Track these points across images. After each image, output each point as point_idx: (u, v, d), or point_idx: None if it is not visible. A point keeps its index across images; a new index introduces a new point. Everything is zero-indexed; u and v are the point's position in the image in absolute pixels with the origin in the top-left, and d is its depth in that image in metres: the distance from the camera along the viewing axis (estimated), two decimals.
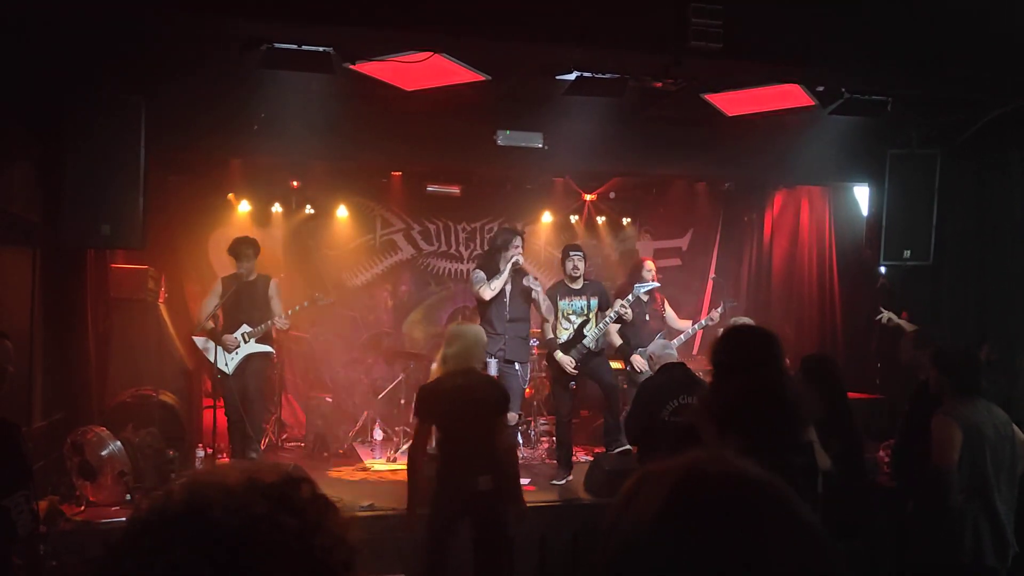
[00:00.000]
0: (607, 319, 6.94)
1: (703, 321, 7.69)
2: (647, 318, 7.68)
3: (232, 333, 6.98)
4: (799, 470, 2.84)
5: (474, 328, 4.98)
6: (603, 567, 0.92)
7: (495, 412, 4.66)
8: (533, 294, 6.88)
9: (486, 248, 7.16)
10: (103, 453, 5.70)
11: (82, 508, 5.62)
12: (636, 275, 7.68)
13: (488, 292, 6.73)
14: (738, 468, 0.93)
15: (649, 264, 7.80)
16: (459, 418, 4.55)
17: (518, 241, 6.87)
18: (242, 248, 7.01)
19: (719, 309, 7.55)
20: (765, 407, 2.71)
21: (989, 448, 4.07)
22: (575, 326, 6.98)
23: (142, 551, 0.85)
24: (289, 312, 7.11)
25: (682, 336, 7.71)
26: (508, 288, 6.81)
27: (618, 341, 7.42)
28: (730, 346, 3.08)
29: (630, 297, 7.06)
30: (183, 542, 0.84)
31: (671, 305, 8.11)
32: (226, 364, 6.95)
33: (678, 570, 0.86)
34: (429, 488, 4.62)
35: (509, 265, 6.73)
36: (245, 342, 7.02)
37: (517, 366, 6.86)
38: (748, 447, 2.57)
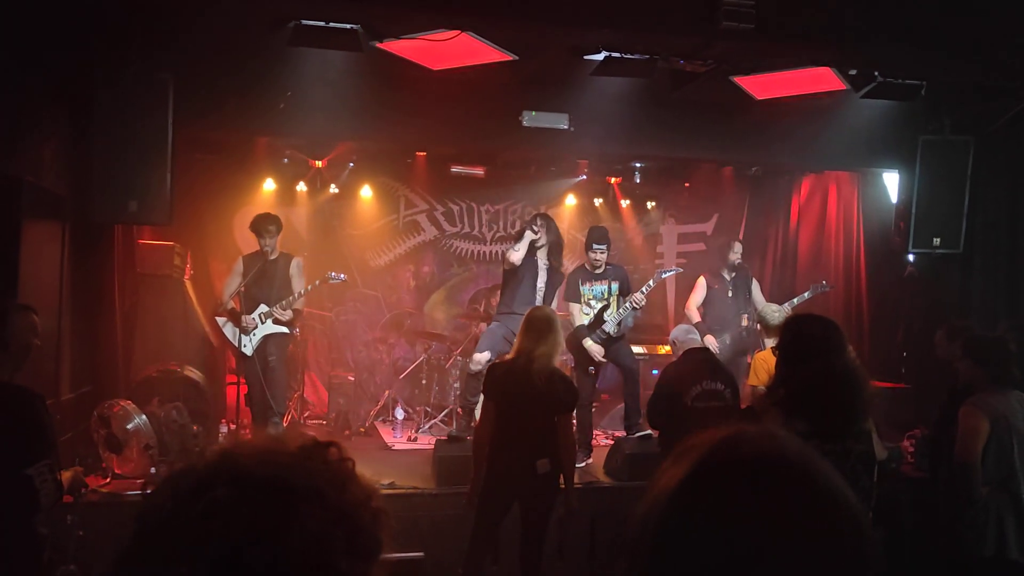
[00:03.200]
0: (627, 305, 6.90)
1: (793, 301, 7.46)
2: (729, 294, 7.61)
3: (250, 313, 6.99)
4: (857, 457, 2.90)
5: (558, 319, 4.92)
6: (628, 538, 0.92)
7: (560, 409, 4.62)
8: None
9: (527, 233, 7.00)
10: (129, 427, 5.77)
11: (108, 480, 5.71)
12: (723, 255, 7.71)
13: (514, 255, 6.69)
14: (770, 441, 0.91)
15: (737, 246, 7.77)
16: (523, 405, 4.51)
17: (542, 224, 6.85)
18: (264, 224, 7.00)
19: (807, 293, 7.46)
20: (834, 395, 2.82)
21: (1017, 440, 4.02)
22: (595, 311, 6.96)
23: (182, 494, 0.88)
24: (301, 292, 7.10)
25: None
26: (543, 279, 6.77)
27: (696, 319, 7.36)
28: (795, 335, 3.10)
29: (651, 282, 7.02)
30: (221, 484, 0.87)
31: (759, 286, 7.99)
32: (246, 345, 6.98)
33: (692, 540, 0.85)
34: (485, 468, 4.61)
35: (525, 239, 6.67)
36: (262, 322, 7.03)
37: None
38: (811, 432, 2.65)
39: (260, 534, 0.84)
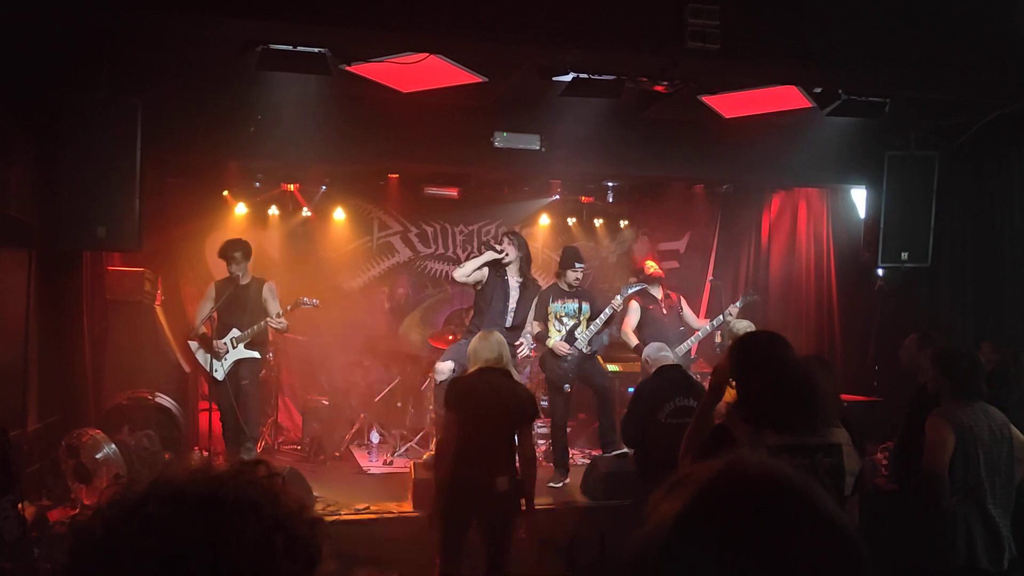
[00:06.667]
0: (599, 320, 6.96)
1: (720, 318, 7.60)
2: (663, 312, 7.68)
3: (222, 338, 6.95)
4: (826, 471, 2.94)
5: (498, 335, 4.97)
6: (627, 566, 0.91)
7: (522, 419, 4.65)
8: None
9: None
10: (98, 456, 5.67)
11: (77, 511, 5.59)
12: (641, 278, 7.73)
13: (457, 271, 6.73)
14: (772, 467, 0.92)
15: (651, 264, 7.82)
16: (485, 416, 4.54)
17: (510, 241, 6.83)
18: (230, 251, 6.97)
19: (737, 304, 7.50)
20: (791, 392, 2.89)
21: (983, 450, 4.06)
22: (567, 328, 6.98)
23: (114, 517, 0.88)
24: (279, 312, 7.07)
25: (699, 334, 7.68)
26: (514, 299, 6.75)
27: (634, 341, 7.41)
28: (743, 352, 3.18)
29: (618, 298, 7.05)
30: (154, 503, 0.88)
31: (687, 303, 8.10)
32: (218, 370, 6.92)
33: (700, 566, 0.85)
34: (446, 485, 4.60)
35: (481, 259, 6.69)
36: (233, 347, 6.99)
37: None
38: (782, 447, 2.69)
39: (198, 544, 0.85)
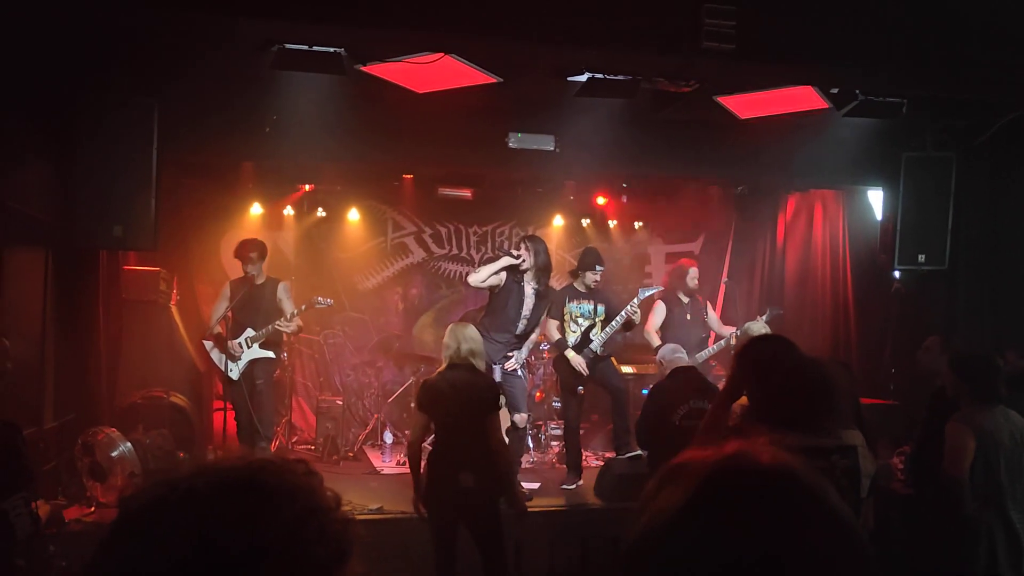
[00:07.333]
0: (615, 323, 6.91)
1: (744, 327, 7.54)
2: (688, 317, 7.63)
3: (236, 338, 6.98)
4: (843, 472, 2.91)
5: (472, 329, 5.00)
6: (624, 559, 0.90)
7: (483, 410, 4.68)
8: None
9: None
10: (113, 454, 5.71)
11: (92, 509, 5.63)
12: (679, 279, 7.67)
13: (472, 276, 6.63)
14: (776, 458, 0.91)
15: (693, 271, 7.77)
16: (452, 413, 4.61)
17: (528, 247, 6.74)
18: (246, 251, 7.01)
19: (763, 318, 7.41)
20: (808, 392, 2.85)
21: (1004, 456, 4.02)
22: (582, 329, 6.94)
23: (160, 490, 0.92)
24: (294, 312, 7.09)
25: (722, 342, 7.59)
26: (529, 306, 6.65)
27: (656, 342, 7.36)
28: (755, 357, 3.15)
29: (635, 300, 7.01)
30: (198, 478, 0.92)
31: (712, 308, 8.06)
32: (233, 369, 6.95)
33: (701, 557, 0.83)
34: (424, 480, 4.70)
35: (498, 263, 6.54)
36: (248, 347, 7.01)
37: (519, 371, 6.81)
38: (797, 447, 2.65)
39: (236, 521, 0.88)
